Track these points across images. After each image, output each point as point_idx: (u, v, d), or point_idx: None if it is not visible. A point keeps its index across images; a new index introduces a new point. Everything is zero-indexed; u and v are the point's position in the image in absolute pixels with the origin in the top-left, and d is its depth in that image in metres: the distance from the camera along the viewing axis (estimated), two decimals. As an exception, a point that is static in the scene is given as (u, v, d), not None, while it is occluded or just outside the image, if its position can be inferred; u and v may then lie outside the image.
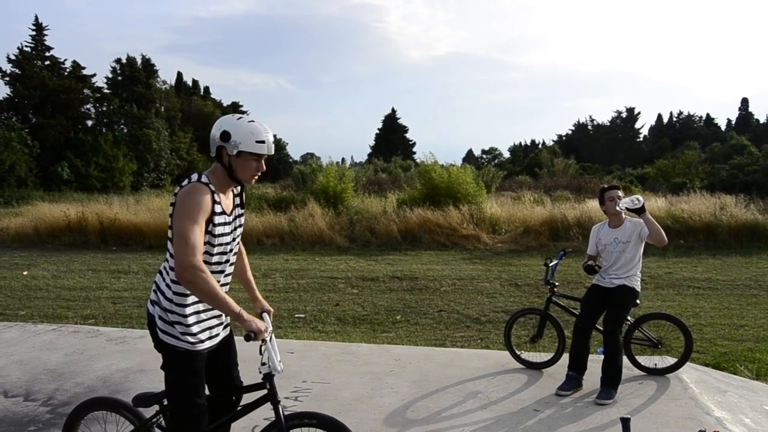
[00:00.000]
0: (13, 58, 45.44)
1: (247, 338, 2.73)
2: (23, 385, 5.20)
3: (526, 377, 5.37)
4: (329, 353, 6.07)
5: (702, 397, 4.77)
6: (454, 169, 20.05)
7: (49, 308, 9.00)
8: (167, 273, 2.86)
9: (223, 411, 3.09)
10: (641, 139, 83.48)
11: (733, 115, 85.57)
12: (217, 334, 3.01)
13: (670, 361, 5.40)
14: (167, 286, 2.85)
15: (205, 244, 2.78)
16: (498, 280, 10.90)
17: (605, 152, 73.09)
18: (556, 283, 5.71)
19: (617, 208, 5.11)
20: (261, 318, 3.13)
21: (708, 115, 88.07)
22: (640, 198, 4.99)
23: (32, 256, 14.23)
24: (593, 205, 15.84)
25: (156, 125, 50.42)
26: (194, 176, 2.85)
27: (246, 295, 3.31)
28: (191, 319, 2.85)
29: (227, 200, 2.93)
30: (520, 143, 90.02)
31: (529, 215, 16.50)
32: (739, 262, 12.80)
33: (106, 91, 51.33)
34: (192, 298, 2.84)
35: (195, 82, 70.03)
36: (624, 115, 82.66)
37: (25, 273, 12.06)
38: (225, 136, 2.81)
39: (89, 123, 50.09)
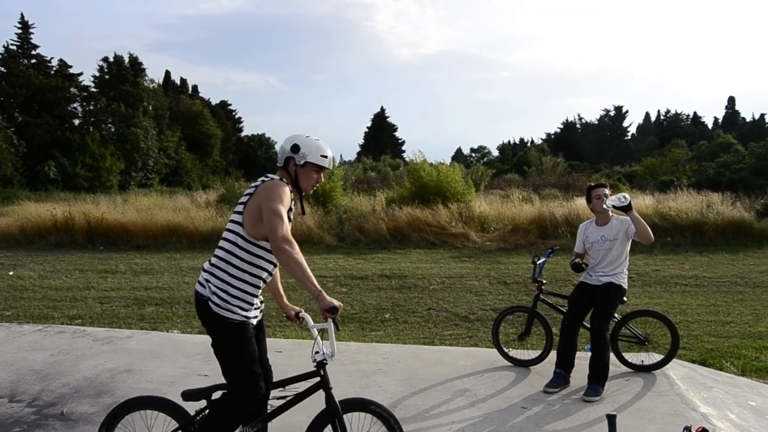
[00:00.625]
0: (-2, 56, 45.09)
1: (331, 312, 2.97)
2: (8, 386, 5.15)
3: (514, 375, 5.38)
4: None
5: (688, 394, 4.80)
6: (443, 167, 20.07)
7: (35, 308, 8.93)
8: (229, 254, 3.15)
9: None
10: (629, 137, 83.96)
11: (720, 114, 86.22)
12: (258, 315, 3.33)
13: (657, 357, 5.44)
14: (227, 265, 3.15)
15: None
16: (486, 278, 10.93)
17: (593, 150, 73.50)
18: (544, 281, 5.72)
19: (604, 206, 5.13)
20: (298, 318, 3.45)
21: (695, 113, 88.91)
22: (627, 196, 5.01)
23: (18, 256, 14.10)
24: (581, 203, 15.89)
25: (144, 124, 50.11)
26: (270, 176, 3.24)
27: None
28: (246, 297, 3.17)
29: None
30: (509, 141, 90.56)
31: (517, 213, 16.55)
32: (726, 259, 12.91)
33: (93, 89, 51.11)
34: (248, 279, 3.16)
35: (183, 81, 69.70)
36: (612, 113, 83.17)
37: (10, 273, 11.95)
38: (295, 148, 3.25)
39: (76, 122, 49.83)
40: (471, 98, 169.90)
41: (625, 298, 5.26)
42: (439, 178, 18.84)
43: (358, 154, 74.10)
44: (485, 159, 76.96)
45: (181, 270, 12.29)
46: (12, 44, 46.23)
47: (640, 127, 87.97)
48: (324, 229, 16.04)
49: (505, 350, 5.74)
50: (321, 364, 3.12)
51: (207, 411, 3.22)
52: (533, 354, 5.67)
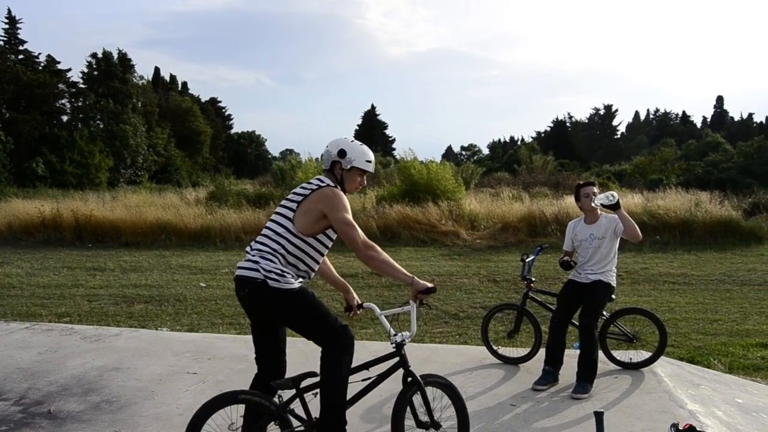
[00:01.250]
0: (-15, 52, 44.64)
1: (427, 292, 3.29)
2: (-5, 384, 5.10)
3: (503, 372, 5.39)
4: (307, 350, 6.00)
5: (676, 391, 4.83)
6: (433, 165, 20.13)
7: (22, 306, 8.86)
8: (279, 246, 3.30)
9: (272, 374, 3.41)
10: (619, 136, 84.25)
11: (709, 113, 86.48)
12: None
13: (645, 355, 5.46)
14: (278, 257, 3.29)
15: (326, 233, 3.39)
16: (476, 276, 10.95)
17: (583, 149, 73.64)
18: (533, 279, 5.74)
19: (592, 204, 5.15)
20: (360, 308, 3.76)
21: (684, 112, 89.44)
22: (615, 194, 5.03)
23: (5, 254, 13.98)
24: (571, 201, 15.91)
25: (133, 121, 49.71)
26: (325, 181, 3.40)
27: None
28: (296, 271, 3.36)
29: None
30: (499, 140, 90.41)
31: (507, 211, 16.59)
32: (714, 257, 13.00)
33: (81, 86, 50.56)
34: (297, 270, 3.35)
35: (173, 78, 69.22)
36: (602, 112, 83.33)
37: (-3, 270, 11.86)
38: (341, 153, 3.43)
39: (64, 118, 49.39)
40: (461, 96, 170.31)
41: (613, 296, 5.28)
42: (430, 176, 18.88)
43: (349, 151, 73.92)
44: (475, 157, 77.03)
45: (170, 267, 12.24)
46: (-1, 39, 45.81)
47: (629, 126, 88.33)
48: (314, 226, 16.01)
49: (495, 348, 5.75)
50: (400, 345, 3.43)
51: (295, 399, 3.30)
52: (522, 351, 5.68)
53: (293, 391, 3.28)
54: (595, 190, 5.28)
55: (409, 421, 3.36)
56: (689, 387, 5.05)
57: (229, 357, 5.77)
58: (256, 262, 3.27)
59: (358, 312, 3.76)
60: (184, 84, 70.77)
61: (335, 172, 3.48)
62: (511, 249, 14.20)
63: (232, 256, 13.57)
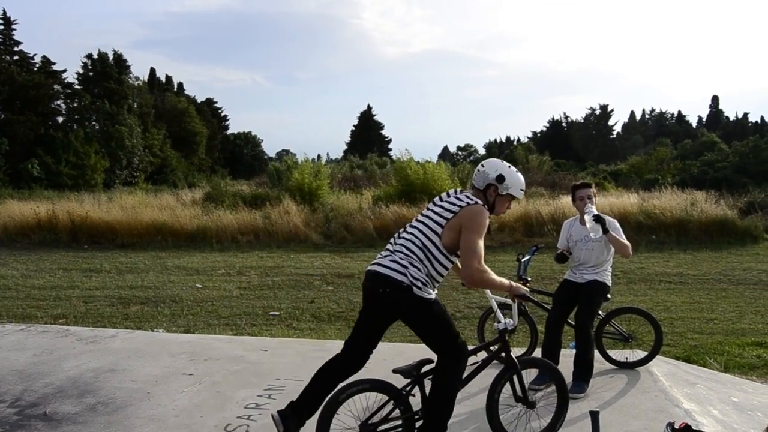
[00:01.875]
0: (-20, 53, 44.51)
1: (523, 298, 3.74)
2: (-10, 386, 5.09)
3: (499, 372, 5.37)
4: (303, 350, 6.04)
5: (672, 390, 4.84)
6: (429, 165, 20.14)
7: (18, 308, 8.84)
8: (426, 257, 3.50)
9: (358, 363, 3.70)
10: (615, 136, 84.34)
11: (704, 113, 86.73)
12: None
13: (641, 354, 5.47)
14: (425, 265, 3.49)
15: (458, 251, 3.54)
16: (473, 276, 10.94)
17: (579, 149, 73.70)
18: (529, 279, 5.71)
19: (584, 216, 5.08)
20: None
21: (680, 112, 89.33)
22: (599, 228, 4.95)
23: (1, 255, 13.95)
24: (567, 201, 15.95)
25: (128, 122, 49.56)
26: (476, 199, 3.53)
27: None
28: (433, 282, 3.58)
29: None
30: (496, 140, 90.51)
31: (503, 211, 16.58)
32: (710, 256, 13.03)
33: (77, 86, 50.43)
34: (436, 277, 3.56)
35: (168, 78, 69.08)
36: (598, 112, 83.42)
37: (-7, 272, 11.82)
38: (501, 178, 3.61)
39: (60, 119, 49.29)
40: (458, 96, 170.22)
41: (609, 296, 5.29)
42: (426, 177, 18.89)
43: (345, 152, 73.82)
44: (472, 157, 77.05)
45: (166, 269, 12.22)
46: (-6, 41, 45.68)
47: (625, 126, 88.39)
48: (310, 227, 16.02)
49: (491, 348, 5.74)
50: (504, 332, 3.77)
51: (413, 386, 3.60)
52: (518, 351, 5.67)
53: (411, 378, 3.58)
54: (590, 192, 5.24)
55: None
56: (685, 386, 5.06)
57: (226, 358, 5.76)
58: (405, 267, 3.42)
59: None
60: (180, 85, 70.68)
61: (488, 194, 3.62)
62: (507, 249, 14.22)
63: (228, 257, 13.55)
